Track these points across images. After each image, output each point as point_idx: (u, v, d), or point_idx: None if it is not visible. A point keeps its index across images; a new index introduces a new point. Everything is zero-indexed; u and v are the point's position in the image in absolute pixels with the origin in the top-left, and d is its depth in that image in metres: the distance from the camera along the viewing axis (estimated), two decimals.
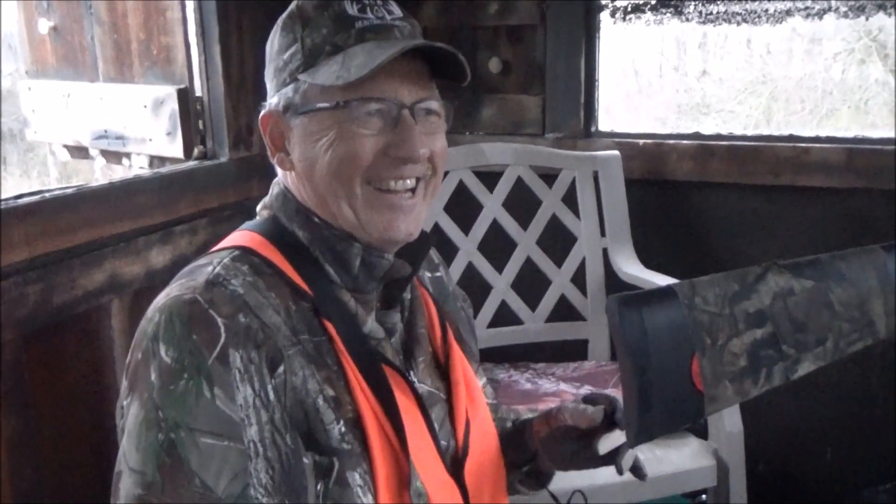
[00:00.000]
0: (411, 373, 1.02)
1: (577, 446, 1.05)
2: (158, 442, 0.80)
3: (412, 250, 1.01)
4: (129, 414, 0.84)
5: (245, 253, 0.94)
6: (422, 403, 0.98)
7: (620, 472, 1.02)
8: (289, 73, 0.95)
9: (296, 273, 0.94)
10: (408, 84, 0.94)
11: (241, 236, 0.98)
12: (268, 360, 0.86)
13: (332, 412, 0.89)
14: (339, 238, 0.96)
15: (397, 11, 0.96)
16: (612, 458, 1.02)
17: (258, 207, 1.03)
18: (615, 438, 1.01)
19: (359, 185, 0.93)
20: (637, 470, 1.06)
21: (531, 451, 1.12)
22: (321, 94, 0.93)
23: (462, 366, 1.09)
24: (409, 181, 0.95)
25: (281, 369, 0.87)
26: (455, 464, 1.01)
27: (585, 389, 1.82)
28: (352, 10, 0.94)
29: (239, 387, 0.83)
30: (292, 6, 0.98)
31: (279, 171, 1.01)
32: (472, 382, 1.11)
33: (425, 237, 1.04)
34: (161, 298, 0.89)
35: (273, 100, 0.97)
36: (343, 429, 0.89)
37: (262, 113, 0.99)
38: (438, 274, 1.20)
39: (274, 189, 1.02)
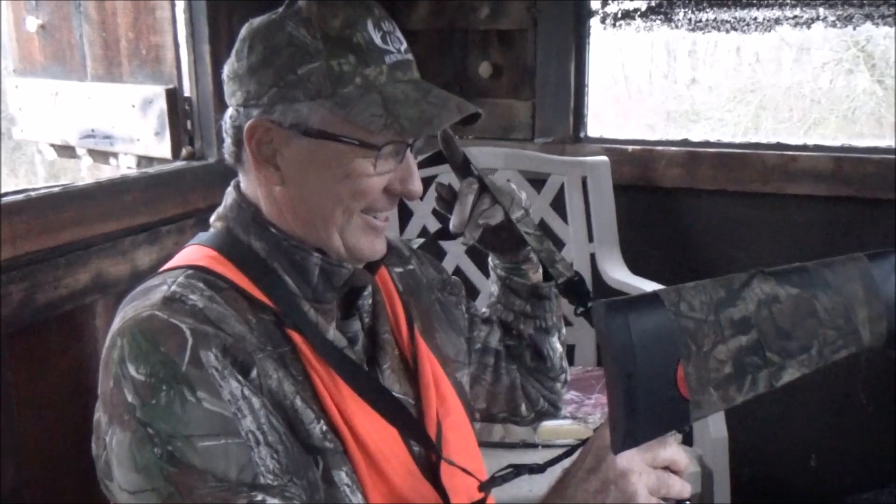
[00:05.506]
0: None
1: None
2: (157, 456, 0.78)
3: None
4: (114, 443, 0.81)
5: (198, 271, 0.91)
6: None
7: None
8: (304, 91, 0.88)
9: (253, 286, 0.92)
10: None
11: (193, 252, 0.96)
12: (237, 365, 0.84)
13: (311, 412, 0.88)
14: (298, 248, 0.94)
15: (403, 40, 0.94)
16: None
17: (212, 218, 1.00)
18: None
19: (356, 215, 0.93)
20: None
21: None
22: (346, 127, 0.89)
23: (431, 366, 1.08)
24: (391, 211, 0.98)
25: (254, 373, 0.85)
26: (430, 468, 1.01)
27: (572, 395, 1.82)
28: (377, 39, 0.90)
29: (221, 384, 0.82)
30: (305, 12, 0.90)
31: (244, 181, 0.98)
32: (441, 382, 1.09)
33: None
34: (117, 323, 0.87)
35: (275, 109, 0.90)
36: (325, 427, 0.89)
37: (253, 121, 0.91)
38: (411, 267, 1.17)
39: (227, 199, 0.99)
